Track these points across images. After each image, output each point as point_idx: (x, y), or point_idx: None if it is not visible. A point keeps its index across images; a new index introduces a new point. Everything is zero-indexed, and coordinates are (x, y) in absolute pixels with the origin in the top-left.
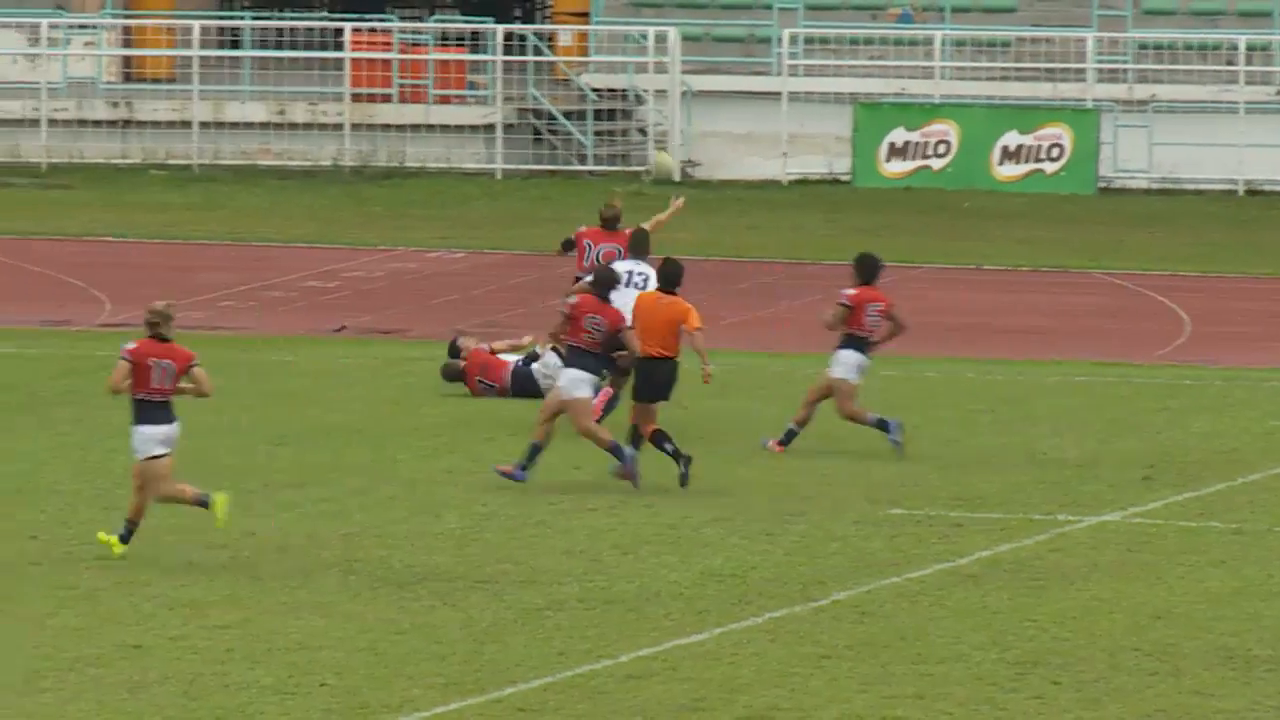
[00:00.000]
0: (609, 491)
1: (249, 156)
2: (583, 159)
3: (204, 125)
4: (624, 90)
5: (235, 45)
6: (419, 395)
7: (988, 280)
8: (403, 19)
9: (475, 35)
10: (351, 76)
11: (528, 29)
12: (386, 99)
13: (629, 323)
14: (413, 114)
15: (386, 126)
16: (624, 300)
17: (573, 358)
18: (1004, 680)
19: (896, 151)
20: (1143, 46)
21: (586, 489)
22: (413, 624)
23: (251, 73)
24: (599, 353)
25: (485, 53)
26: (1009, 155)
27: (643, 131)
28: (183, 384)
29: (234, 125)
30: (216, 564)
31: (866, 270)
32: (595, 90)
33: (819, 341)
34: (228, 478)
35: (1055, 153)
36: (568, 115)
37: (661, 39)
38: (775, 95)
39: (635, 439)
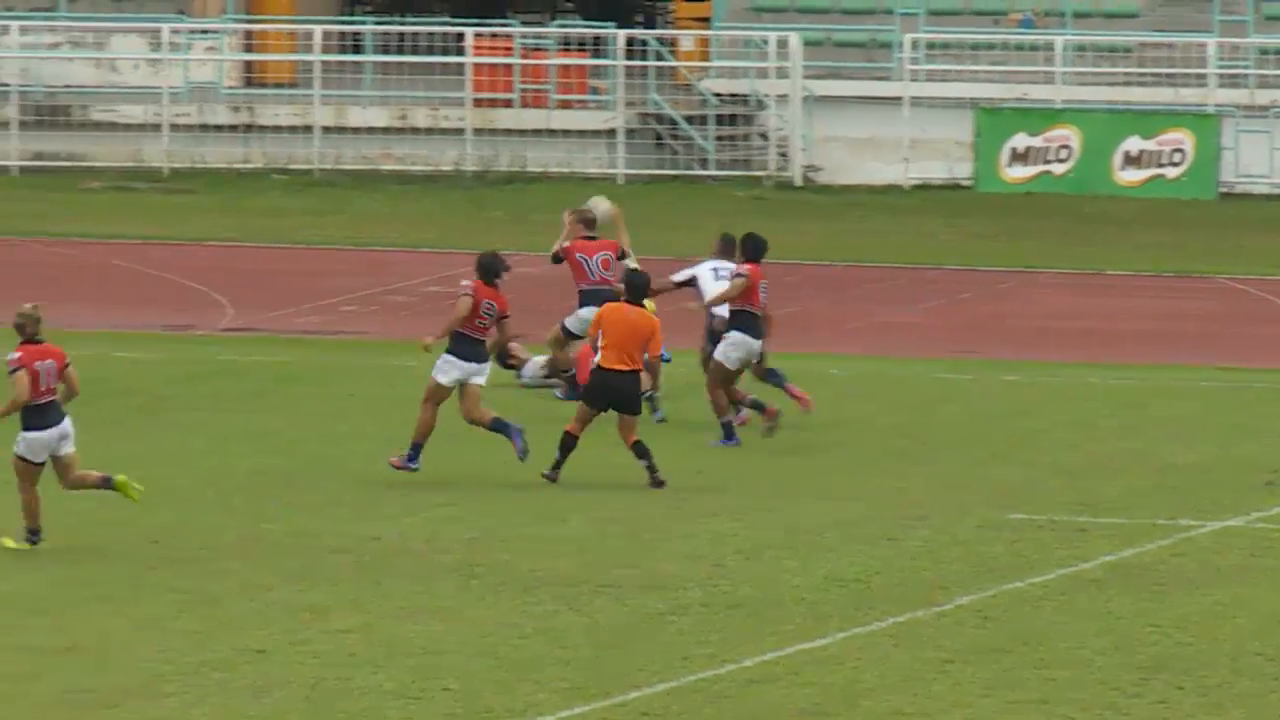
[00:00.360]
0: (732, 495)
1: (370, 161)
2: (704, 164)
3: (325, 130)
4: (745, 95)
5: (357, 50)
6: (540, 400)
7: (1109, 285)
8: (524, 24)
9: (597, 40)
10: (473, 81)
11: (649, 34)
12: (508, 104)
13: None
14: (534, 119)
15: (508, 131)
16: (714, 289)
17: (461, 346)
18: (1127, 685)
19: (1018, 156)
20: (1264, 51)
21: (709, 493)
22: (535, 628)
23: (373, 77)
24: (483, 339)
25: (607, 58)
26: (1130, 160)
27: (764, 136)
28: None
29: (355, 130)
30: (338, 568)
31: (756, 248)
32: (717, 95)
33: (941, 346)
34: (350, 483)
35: (1177, 158)
36: (689, 120)
37: (783, 44)
38: (896, 100)
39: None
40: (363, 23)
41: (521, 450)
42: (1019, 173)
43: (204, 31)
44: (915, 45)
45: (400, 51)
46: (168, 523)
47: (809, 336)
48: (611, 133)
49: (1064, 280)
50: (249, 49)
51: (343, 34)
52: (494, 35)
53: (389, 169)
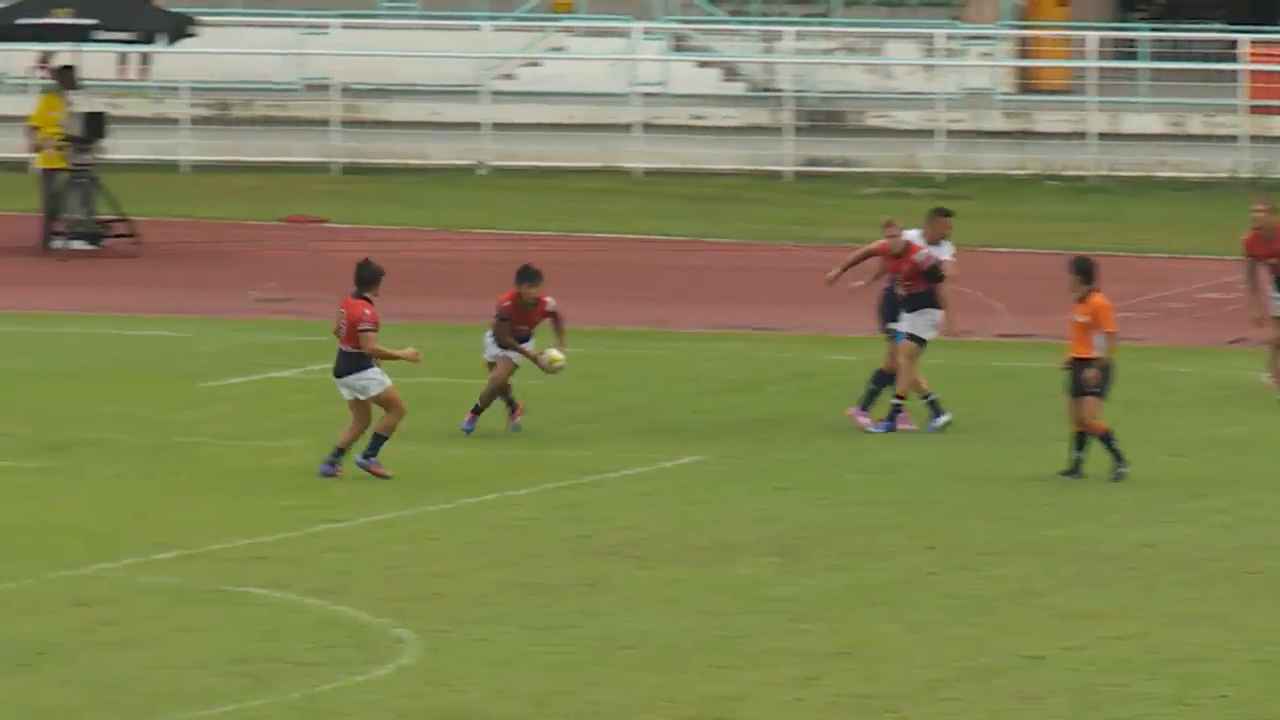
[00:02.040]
0: None
1: (1145, 168)
2: None
3: (1100, 136)
4: None
5: (1131, 56)
6: None
7: None
8: None
9: None
10: (1249, 88)
11: None
12: None
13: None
14: None
15: None
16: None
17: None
18: None
19: None
20: None
21: None
22: None
23: (1147, 84)
24: (346, 350)
25: None
26: None
27: None
28: None
29: (1130, 137)
30: (1111, 575)
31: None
32: None
33: None
34: (1123, 488)
35: None
36: None
37: None
38: None
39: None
40: (1137, 28)
41: (322, 474)
42: None
43: (978, 38)
44: None
45: (1174, 58)
46: (942, 528)
47: None
48: None
49: None
50: (1023, 55)
51: (1117, 40)
52: (1269, 42)
53: (1163, 175)
